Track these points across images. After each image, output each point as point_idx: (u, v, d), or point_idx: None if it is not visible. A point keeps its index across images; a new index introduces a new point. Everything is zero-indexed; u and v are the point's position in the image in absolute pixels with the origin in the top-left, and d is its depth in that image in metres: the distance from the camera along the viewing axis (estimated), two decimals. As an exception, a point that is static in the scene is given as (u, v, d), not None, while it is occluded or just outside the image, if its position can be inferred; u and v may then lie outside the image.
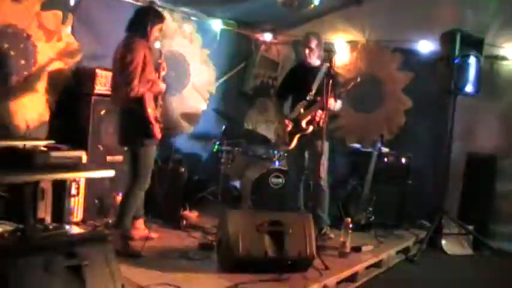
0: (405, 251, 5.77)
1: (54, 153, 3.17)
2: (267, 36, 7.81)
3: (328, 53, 5.27)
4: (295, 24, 7.50)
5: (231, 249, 4.09)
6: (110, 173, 3.52)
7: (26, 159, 3.06)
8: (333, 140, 7.00)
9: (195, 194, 6.45)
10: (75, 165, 3.21)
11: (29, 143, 3.37)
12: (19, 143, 3.42)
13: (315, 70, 5.51)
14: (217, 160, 6.65)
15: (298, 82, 5.57)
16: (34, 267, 2.78)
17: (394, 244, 5.69)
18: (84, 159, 3.47)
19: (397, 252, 5.64)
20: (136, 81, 4.31)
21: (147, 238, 4.72)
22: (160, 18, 4.65)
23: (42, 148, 3.23)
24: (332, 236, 5.43)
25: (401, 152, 6.50)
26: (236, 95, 7.74)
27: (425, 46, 6.69)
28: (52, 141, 3.67)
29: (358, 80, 5.28)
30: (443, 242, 6.08)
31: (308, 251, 4.24)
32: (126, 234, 4.55)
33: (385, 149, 6.45)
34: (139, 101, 4.38)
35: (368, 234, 5.87)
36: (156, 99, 4.64)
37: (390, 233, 5.99)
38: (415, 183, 6.39)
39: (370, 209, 6.01)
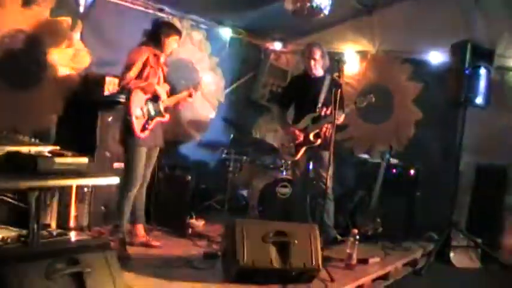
0: (413, 263, 5.69)
1: (58, 159, 3.15)
2: (277, 45, 7.81)
3: (337, 62, 5.21)
4: (305, 33, 7.48)
5: (235, 258, 4.04)
6: (115, 180, 3.49)
7: (30, 165, 3.04)
8: (341, 151, 7.02)
9: (201, 202, 6.44)
10: (79, 172, 3.19)
11: (34, 149, 3.34)
12: (24, 148, 3.40)
13: (319, 80, 5.50)
14: (225, 169, 6.63)
15: (302, 92, 5.55)
16: (35, 274, 2.75)
17: (402, 256, 5.61)
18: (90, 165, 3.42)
19: (405, 265, 5.56)
20: (128, 74, 4.50)
21: (146, 245, 4.73)
22: (173, 30, 4.84)
23: (47, 154, 3.21)
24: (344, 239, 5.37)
25: (410, 164, 6.44)
26: (245, 104, 7.72)
27: (436, 57, 6.65)
28: (57, 147, 3.62)
29: (373, 100, 5.24)
30: (452, 254, 6.00)
31: (313, 262, 4.19)
32: (119, 236, 4.58)
33: (393, 160, 6.40)
34: (128, 95, 4.57)
35: (375, 245, 5.79)
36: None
37: (398, 245, 5.91)
38: (423, 195, 6.35)
39: (378, 220, 5.94)
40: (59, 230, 3.81)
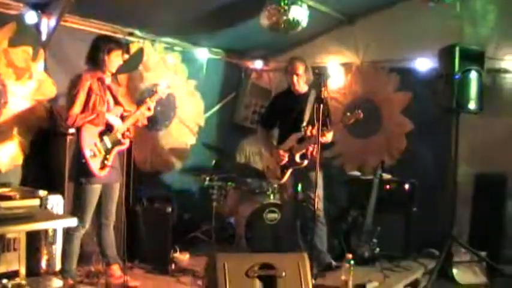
0: (414, 284, 5.36)
1: (4, 204, 2.79)
2: (258, 64, 7.51)
3: (318, 76, 4.93)
4: (286, 49, 7.21)
5: (217, 297, 3.67)
6: (72, 222, 3.12)
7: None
8: (331, 169, 6.69)
9: (186, 234, 6.05)
10: (29, 216, 2.82)
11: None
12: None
13: (303, 97, 5.20)
14: (209, 196, 6.25)
15: (286, 110, 5.25)
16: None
17: (402, 277, 5.29)
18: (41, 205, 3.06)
19: (406, 286, 5.23)
20: (73, 110, 4.17)
21: (123, 286, 4.38)
22: (114, 44, 4.41)
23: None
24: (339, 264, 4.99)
25: (404, 178, 6.11)
26: (228, 127, 7.38)
27: (423, 64, 6.35)
28: (6, 189, 3.26)
29: (361, 116, 4.92)
30: (455, 271, 5.63)
31: (304, 295, 3.82)
32: (69, 283, 4.22)
33: (386, 176, 6.07)
34: (78, 132, 4.20)
35: (373, 267, 5.46)
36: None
37: (397, 265, 5.59)
38: (420, 210, 6.00)
39: (374, 240, 5.60)
40: (15, 281, 3.42)
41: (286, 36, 6.07)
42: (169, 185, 6.52)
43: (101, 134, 4.30)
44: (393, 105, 6.60)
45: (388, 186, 6.03)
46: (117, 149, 4.38)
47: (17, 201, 2.90)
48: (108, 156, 4.28)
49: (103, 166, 4.23)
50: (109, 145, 4.32)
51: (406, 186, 6.04)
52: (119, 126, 4.38)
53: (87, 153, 4.15)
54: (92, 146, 4.20)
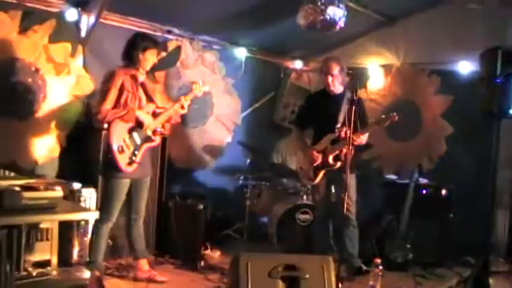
0: (447, 292, 5.21)
1: (27, 194, 2.85)
2: (297, 64, 7.46)
3: (351, 78, 4.89)
4: (326, 49, 7.11)
5: (239, 296, 3.66)
6: (93, 215, 3.17)
7: (-5, 200, 2.76)
8: (368, 171, 6.60)
9: (218, 231, 6.08)
10: (51, 207, 2.88)
11: (5, 182, 3.04)
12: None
13: (338, 98, 5.14)
14: (243, 195, 6.25)
15: (322, 111, 5.19)
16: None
17: (434, 285, 5.19)
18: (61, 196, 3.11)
19: (438, 294, 5.09)
20: (104, 106, 4.23)
21: (150, 280, 4.46)
22: (150, 42, 4.45)
23: (15, 188, 2.91)
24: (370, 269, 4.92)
25: (441, 183, 5.96)
26: (266, 126, 7.35)
27: (465, 67, 6.17)
28: (33, 180, 3.33)
29: (396, 119, 4.81)
30: (491, 281, 5.39)
31: (327, 298, 3.77)
32: (95, 274, 4.24)
33: (423, 180, 5.95)
34: (108, 127, 4.28)
35: (405, 274, 5.35)
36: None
37: (431, 272, 5.46)
38: (458, 216, 5.83)
39: (408, 246, 5.50)
40: (40, 270, 3.49)
41: (326, 37, 6.01)
42: (204, 183, 6.54)
43: (131, 130, 4.34)
44: (433, 108, 6.45)
45: (424, 191, 5.90)
46: (146, 145, 4.43)
47: (40, 193, 2.94)
48: (136, 152, 4.32)
49: (131, 162, 4.28)
50: (138, 141, 4.36)
51: (443, 191, 5.89)
52: (150, 123, 4.42)
53: (115, 148, 4.21)
54: (120, 141, 4.26)
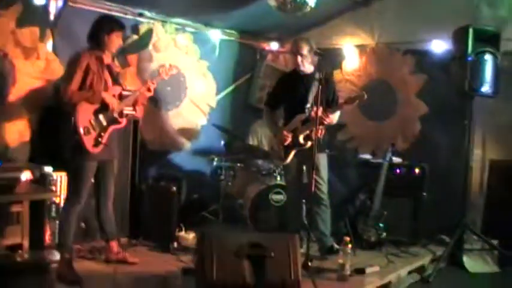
0: (420, 270, 5.25)
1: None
2: (273, 45, 7.43)
3: (320, 58, 4.91)
4: (302, 30, 7.06)
5: (205, 276, 3.69)
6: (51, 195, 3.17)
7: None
8: (344, 152, 6.63)
9: (194, 213, 6.08)
10: (10, 187, 2.88)
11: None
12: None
13: (308, 78, 5.12)
14: (218, 177, 6.26)
15: (292, 91, 5.17)
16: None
17: (407, 263, 5.20)
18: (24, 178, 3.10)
19: (410, 272, 5.13)
20: (70, 87, 4.20)
21: (122, 261, 4.49)
22: (115, 24, 4.43)
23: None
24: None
25: (415, 162, 5.99)
26: (242, 108, 7.34)
27: (439, 46, 6.17)
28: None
29: (365, 98, 4.79)
30: (465, 258, 5.52)
31: (292, 276, 3.79)
32: (65, 256, 4.26)
33: (396, 159, 5.96)
34: (73, 109, 4.23)
35: (378, 252, 5.40)
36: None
37: (404, 251, 5.51)
38: (432, 195, 5.87)
39: (381, 225, 5.52)
40: (11, 253, 3.50)
41: (302, 18, 5.97)
42: (180, 165, 6.53)
43: (97, 112, 4.33)
44: (408, 88, 6.46)
45: (398, 171, 5.94)
46: (112, 127, 4.41)
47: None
48: (102, 133, 4.31)
49: (97, 143, 4.27)
50: (104, 123, 4.35)
51: (417, 170, 5.92)
52: (115, 105, 4.41)
53: (81, 129, 4.20)
54: (86, 122, 4.25)
